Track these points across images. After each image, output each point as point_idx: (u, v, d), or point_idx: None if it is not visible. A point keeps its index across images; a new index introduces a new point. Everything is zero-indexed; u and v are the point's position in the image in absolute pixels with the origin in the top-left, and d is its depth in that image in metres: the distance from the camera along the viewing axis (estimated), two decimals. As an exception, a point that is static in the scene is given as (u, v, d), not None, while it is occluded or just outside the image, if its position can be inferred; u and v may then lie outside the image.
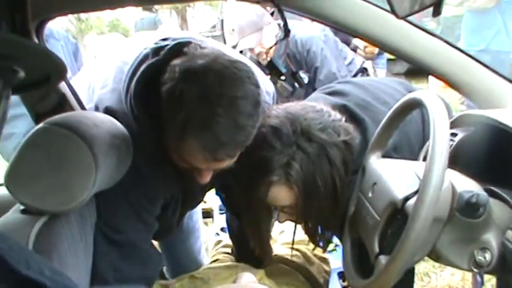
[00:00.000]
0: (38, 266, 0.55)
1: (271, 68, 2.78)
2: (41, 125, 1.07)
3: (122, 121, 1.24)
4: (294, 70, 2.87)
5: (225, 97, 1.08)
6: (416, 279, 2.60)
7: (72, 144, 1.04)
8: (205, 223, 3.16)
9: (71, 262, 1.10)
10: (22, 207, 1.08)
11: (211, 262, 1.79)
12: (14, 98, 1.40)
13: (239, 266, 1.59)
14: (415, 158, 1.25)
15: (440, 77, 1.44)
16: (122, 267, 1.28)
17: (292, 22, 2.89)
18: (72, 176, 1.05)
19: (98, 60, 1.47)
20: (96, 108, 1.31)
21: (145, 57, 1.22)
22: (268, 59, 2.82)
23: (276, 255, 1.74)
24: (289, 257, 1.71)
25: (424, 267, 2.65)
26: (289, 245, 1.71)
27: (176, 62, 1.13)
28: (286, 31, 1.44)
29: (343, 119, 1.32)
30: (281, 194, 1.29)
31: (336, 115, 1.32)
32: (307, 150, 1.25)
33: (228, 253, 1.84)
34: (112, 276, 1.27)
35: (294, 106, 1.33)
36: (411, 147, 1.33)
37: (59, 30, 3.08)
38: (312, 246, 1.59)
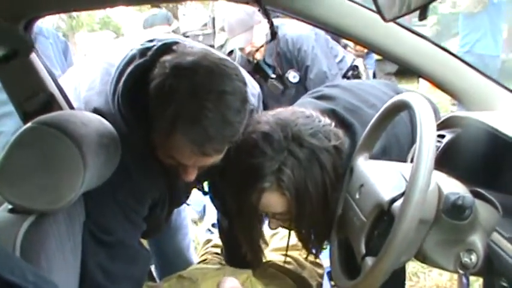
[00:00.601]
0: (22, 271, 0.55)
1: (259, 70, 2.78)
2: (29, 124, 1.06)
3: (110, 122, 1.24)
4: (284, 70, 2.86)
5: (214, 92, 1.10)
6: (404, 279, 2.65)
7: (60, 144, 1.04)
8: (195, 222, 3.16)
9: (59, 261, 1.10)
10: (10, 206, 1.07)
11: (200, 262, 1.79)
12: (2, 96, 1.41)
13: (227, 268, 1.59)
14: (405, 160, 1.26)
15: (428, 78, 1.45)
16: (111, 267, 1.28)
17: (283, 21, 2.89)
18: (60, 175, 1.05)
19: (84, 61, 1.47)
20: (84, 109, 1.31)
21: (132, 58, 1.23)
22: (259, 57, 2.82)
23: (268, 261, 1.73)
24: (280, 263, 1.71)
25: (413, 267, 2.67)
26: (281, 251, 1.71)
27: (166, 58, 1.15)
28: (273, 33, 1.45)
29: (333, 123, 1.33)
30: (273, 200, 1.29)
31: (326, 120, 1.32)
32: (298, 155, 1.25)
33: (217, 253, 1.84)
34: (101, 277, 1.26)
35: (284, 112, 1.33)
36: (401, 149, 1.34)
37: (49, 28, 3.04)
38: (304, 252, 1.59)
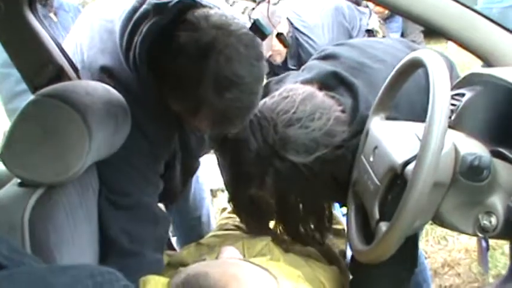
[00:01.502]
0: None
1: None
2: (32, 97, 1.06)
3: (119, 80, 1.24)
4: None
5: (244, 78, 1.11)
6: (433, 242, 2.61)
7: (63, 114, 1.03)
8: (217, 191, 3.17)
9: (70, 232, 1.10)
10: (19, 180, 1.07)
11: (218, 228, 1.77)
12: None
13: (245, 236, 1.57)
14: (417, 117, 1.21)
15: (453, 39, 1.37)
16: (134, 230, 1.29)
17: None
18: (65, 145, 1.04)
19: (80, 21, 1.44)
20: (89, 70, 1.30)
21: (145, 14, 1.19)
22: (279, 60, 2.76)
23: None
24: None
25: (441, 231, 2.62)
26: None
27: (196, 14, 1.14)
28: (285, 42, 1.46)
29: (331, 114, 1.30)
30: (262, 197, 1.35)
31: (322, 115, 1.29)
32: (279, 168, 1.27)
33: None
34: (126, 241, 1.27)
35: (274, 109, 1.31)
36: (412, 106, 1.29)
37: (69, 2, 3.04)
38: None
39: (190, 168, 1.58)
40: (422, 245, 2.34)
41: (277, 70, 2.72)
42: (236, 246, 1.41)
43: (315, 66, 1.45)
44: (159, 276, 1.06)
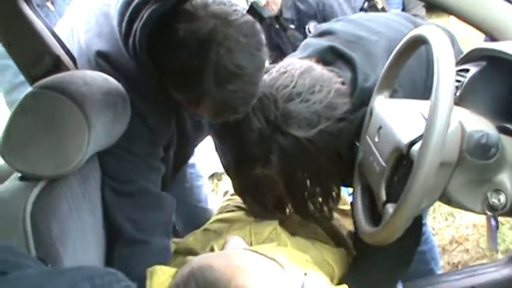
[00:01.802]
0: None
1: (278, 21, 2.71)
2: (29, 89, 1.04)
3: (116, 65, 1.23)
4: (303, 22, 2.77)
5: (246, 68, 1.11)
6: (440, 219, 2.60)
7: (61, 106, 1.02)
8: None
9: (74, 224, 1.10)
10: (20, 174, 1.06)
11: (220, 210, 1.76)
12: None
13: (252, 221, 1.56)
14: (419, 95, 1.19)
15: (455, 14, 1.34)
16: (139, 217, 1.29)
17: None
18: (64, 137, 1.03)
19: (77, 3, 1.42)
20: (86, 55, 1.28)
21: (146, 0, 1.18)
22: (275, 9, 2.73)
23: None
24: None
25: (448, 207, 2.59)
26: None
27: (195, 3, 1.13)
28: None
29: (332, 86, 1.28)
30: (266, 177, 1.33)
31: (322, 87, 1.27)
32: (282, 145, 1.25)
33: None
34: (132, 229, 1.27)
35: (272, 85, 1.28)
36: (413, 83, 1.27)
37: (66, -10, 3.00)
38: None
39: (183, 156, 1.58)
40: (429, 222, 2.32)
41: (274, 23, 2.72)
42: (243, 232, 1.41)
43: (310, 44, 1.43)
44: (165, 267, 1.05)
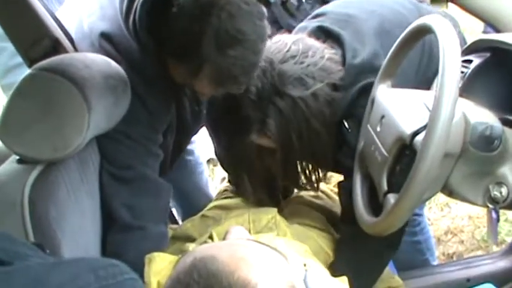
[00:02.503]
0: None
1: None
2: (28, 71, 1.02)
3: (119, 47, 1.22)
4: None
5: (246, 34, 1.10)
6: (436, 209, 2.60)
7: (61, 88, 1.00)
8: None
9: (72, 208, 1.08)
10: (18, 157, 1.05)
11: (217, 196, 1.76)
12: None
13: (251, 208, 1.55)
14: (411, 85, 1.19)
15: (456, 2, 1.33)
16: (135, 203, 1.28)
17: None
18: (64, 120, 1.01)
19: None
20: (90, 37, 1.27)
21: None
22: None
23: (297, 196, 1.70)
24: (310, 198, 1.67)
25: (445, 198, 2.61)
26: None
27: None
28: None
29: (324, 53, 1.28)
30: (263, 143, 1.34)
31: (315, 53, 1.27)
32: (279, 106, 1.25)
33: None
34: (128, 216, 1.26)
35: (267, 49, 1.27)
36: (403, 72, 1.24)
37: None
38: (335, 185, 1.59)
39: (181, 145, 1.57)
40: (425, 212, 2.32)
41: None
42: (241, 219, 1.40)
43: (303, 27, 1.43)
44: (164, 254, 1.04)
